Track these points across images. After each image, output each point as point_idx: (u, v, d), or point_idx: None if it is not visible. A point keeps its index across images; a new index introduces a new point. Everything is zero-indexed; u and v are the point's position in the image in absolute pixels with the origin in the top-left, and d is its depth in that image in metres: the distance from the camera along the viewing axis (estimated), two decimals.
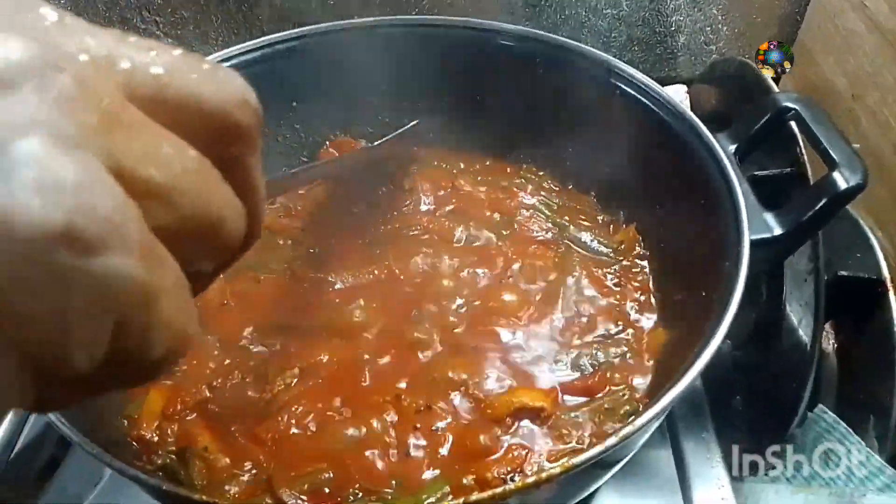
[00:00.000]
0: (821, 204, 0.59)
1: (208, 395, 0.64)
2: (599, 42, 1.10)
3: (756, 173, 0.70)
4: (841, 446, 0.73)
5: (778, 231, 0.61)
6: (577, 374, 0.67)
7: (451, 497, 0.55)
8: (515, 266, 0.77)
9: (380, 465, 0.59)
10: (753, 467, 0.79)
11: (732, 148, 0.70)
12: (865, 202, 0.82)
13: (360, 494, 0.57)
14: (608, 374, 0.66)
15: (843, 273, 0.77)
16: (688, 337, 0.64)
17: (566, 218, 0.83)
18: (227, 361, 0.66)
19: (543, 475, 0.46)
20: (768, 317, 0.78)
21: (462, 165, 0.91)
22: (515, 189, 0.88)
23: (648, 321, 0.72)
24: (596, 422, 0.63)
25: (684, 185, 0.71)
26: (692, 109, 1.07)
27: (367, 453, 0.60)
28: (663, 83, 1.09)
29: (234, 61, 0.82)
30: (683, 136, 0.71)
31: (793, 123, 0.68)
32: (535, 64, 0.84)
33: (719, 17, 1.09)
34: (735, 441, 0.80)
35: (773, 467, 0.78)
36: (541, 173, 0.90)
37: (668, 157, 0.73)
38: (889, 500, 0.65)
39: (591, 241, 0.80)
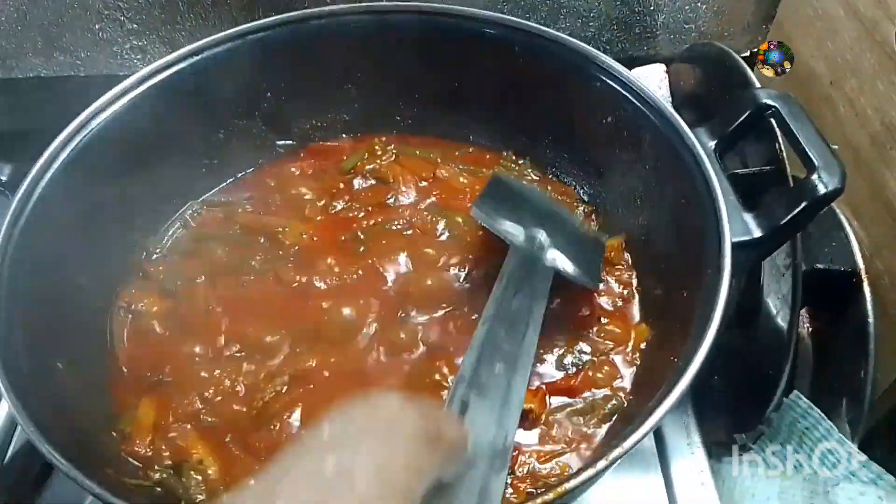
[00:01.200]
0: (800, 208, 0.60)
1: (200, 406, 0.65)
2: (578, 21, 1.08)
3: (736, 171, 0.71)
4: (815, 431, 0.76)
5: (757, 233, 0.62)
6: (562, 374, 0.69)
7: None
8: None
9: None
10: (730, 450, 0.82)
11: (712, 144, 0.70)
12: (845, 195, 0.83)
13: None
14: (591, 374, 0.68)
15: (819, 266, 0.78)
16: (670, 334, 0.67)
17: None
18: (217, 371, 0.67)
19: (561, 489, 0.48)
20: (746, 303, 0.80)
21: (441, 156, 0.91)
22: None
23: (631, 318, 0.73)
24: (581, 421, 0.65)
25: (665, 181, 0.72)
26: (671, 88, 1.09)
27: None
28: (643, 62, 1.10)
29: (205, 53, 0.80)
30: (664, 132, 0.71)
31: (772, 120, 0.68)
32: (513, 52, 0.83)
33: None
34: (713, 424, 0.83)
35: (750, 449, 0.81)
36: (521, 162, 0.91)
37: (649, 153, 0.74)
38: (860, 489, 0.68)
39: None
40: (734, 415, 0.84)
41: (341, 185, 0.87)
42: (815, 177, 0.60)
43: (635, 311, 0.74)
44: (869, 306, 0.79)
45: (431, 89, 0.91)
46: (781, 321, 0.78)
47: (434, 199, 0.86)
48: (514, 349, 0.58)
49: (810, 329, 0.89)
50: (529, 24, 0.82)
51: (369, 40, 0.86)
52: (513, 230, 0.72)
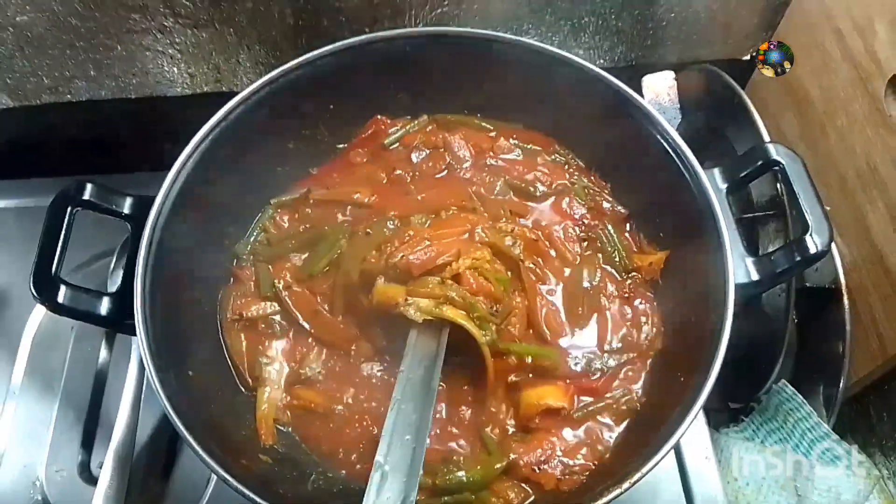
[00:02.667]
0: (793, 263, 0.75)
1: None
2: (595, 37, 1.18)
3: (743, 216, 0.85)
4: (797, 413, 0.95)
5: (755, 277, 0.78)
6: (589, 377, 0.84)
7: None
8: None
9: None
10: (724, 423, 1.01)
11: (724, 187, 0.84)
12: (830, 211, 0.97)
13: None
14: (612, 379, 0.84)
15: (808, 284, 0.95)
16: (678, 353, 0.83)
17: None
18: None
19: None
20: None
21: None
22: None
23: (651, 331, 0.88)
24: (601, 418, 0.82)
25: (682, 220, 0.85)
26: (679, 95, 1.21)
27: None
28: (652, 70, 1.21)
29: (280, 80, 0.89)
30: (685, 177, 0.84)
31: (778, 174, 0.81)
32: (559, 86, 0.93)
33: (704, 11, 1.17)
34: (712, 398, 1.01)
35: (742, 421, 1.00)
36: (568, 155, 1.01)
37: (672, 194, 0.86)
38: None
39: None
40: (730, 390, 1.03)
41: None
42: (808, 237, 0.75)
43: (655, 327, 0.88)
44: (847, 313, 0.97)
45: (478, 99, 1.01)
46: (775, 319, 0.96)
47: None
48: (420, 416, 0.71)
49: (796, 321, 1.04)
50: (584, 63, 0.90)
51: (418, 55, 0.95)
52: (413, 310, 0.77)
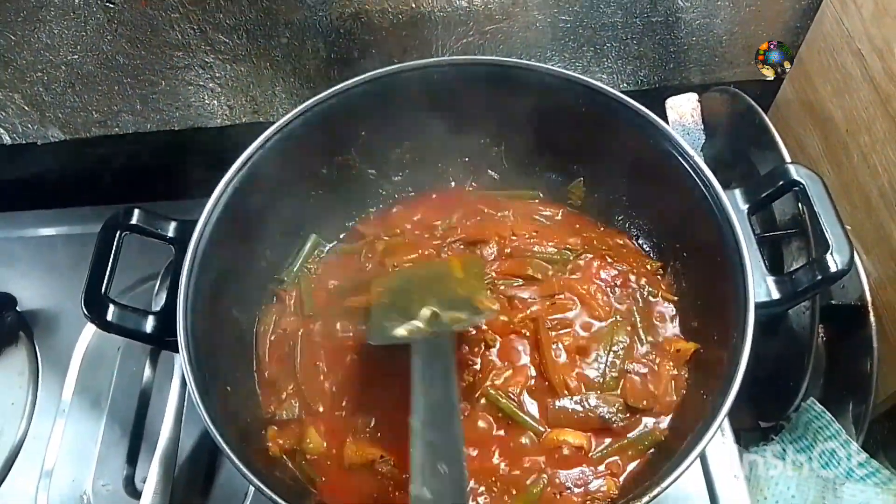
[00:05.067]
0: (814, 281, 0.76)
1: None
2: (619, 61, 1.22)
3: (765, 234, 0.86)
4: (826, 431, 0.95)
5: (776, 296, 0.79)
6: (610, 426, 0.84)
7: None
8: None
9: None
10: (755, 441, 1.01)
11: (745, 207, 0.85)
12: (855, 230, 0.99)
13: None
14: (636, 424, 0.84)
15: (834, 302, 0.95)
16: (705, 367, 0.84)
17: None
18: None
19: None
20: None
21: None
22: None
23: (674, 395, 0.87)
24: (622, 454, 0.83)
25: (703, 242, 0.86)
26: (703, 117, 1.23)
27: None
28: (675, 91, 1.24)
29: (314, 110, 0.93)
30: (707, 199, 0.85)
31: (798, 195, 0.83)
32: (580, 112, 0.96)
33: (725, 34, 1.20)
34: (741, 413, 1.01)
35: (772, 440, 1.01)
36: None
37: (694, 214, 0.88)
38: (861, 487, 0.87)
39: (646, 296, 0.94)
40: (760, 409, 1.03)
41: None
42: (829, 256, 0.76)
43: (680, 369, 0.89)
44: (874, 331, 0.97)
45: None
46: (801, 337, 0.96)
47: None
48: (448, 440, 0.67)
49: (824, 339, 1.05)
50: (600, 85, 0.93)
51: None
52: (406, 331, 0.79)
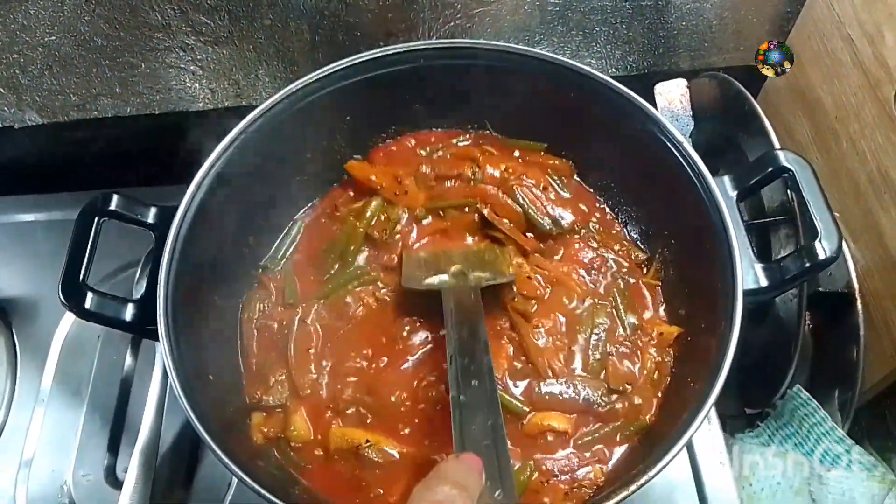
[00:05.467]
0: (802, 269, 0.76)
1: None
2: (608, 46, 1.20)
3: (753, 221, 0.86)
4: (812, 418, 0.95)
5: (764, 283, 0.78)
6: (594, 409, 0.84)
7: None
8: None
9: None
10: (741, 428, 1.01)
11: (734, 194, 0.85)
12: (843, 217, 0.98)
13: None
14: (620, 408, 0.84)
15: (821, 289, 0.95)
16: (693, 355, 0.84)
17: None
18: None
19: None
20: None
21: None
22: None
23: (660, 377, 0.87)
24: (609, 440, 0.82)
25: (691, 228, 0.86)
26: (692, 102, 1.22)
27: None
28: (664, 77, 1.22)
29: (298, 94, 0.91)
30: (695, 185, 0.85)
31: (787, 181, 0.82)
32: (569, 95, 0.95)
33: (715, 19, 1.19)
34: (727, 400, 1.01)
35: (758, 426, 1.01)
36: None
37: (683, 201, 0.87)
38: (849, 475, 0.87)
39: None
40: (746, 396, 1.03)
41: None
42: (817, 243, 0.76)
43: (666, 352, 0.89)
44: (860, 319, 0.97)
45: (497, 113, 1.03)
46: (789, 324, 0.96)
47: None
48: (477, 365, 0.73)
49: (811, 326, 1.05)
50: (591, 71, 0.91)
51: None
52: (437, 281, 0.90)
